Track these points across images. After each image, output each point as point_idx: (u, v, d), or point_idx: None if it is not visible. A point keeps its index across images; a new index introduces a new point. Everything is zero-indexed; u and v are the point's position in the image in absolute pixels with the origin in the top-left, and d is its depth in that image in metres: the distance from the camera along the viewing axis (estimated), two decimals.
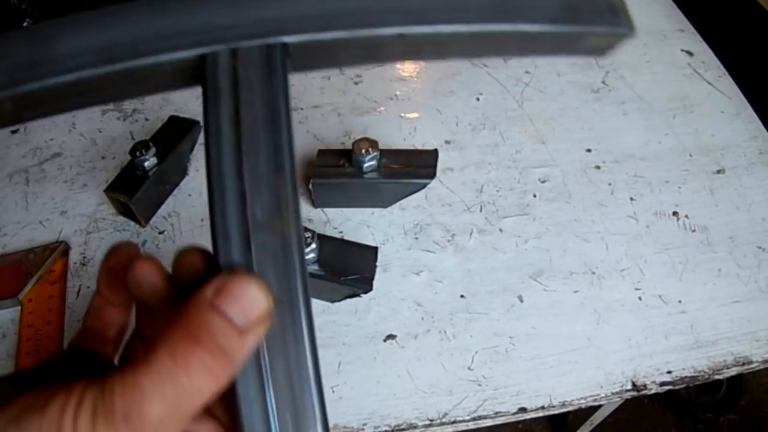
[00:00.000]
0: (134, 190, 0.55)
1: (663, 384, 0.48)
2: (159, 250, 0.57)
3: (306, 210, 0.59)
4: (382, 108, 0.68)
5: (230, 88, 0.22)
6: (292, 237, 0.21)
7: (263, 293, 0.20)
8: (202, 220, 0.59)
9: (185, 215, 0.59)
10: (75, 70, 0.21)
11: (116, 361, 0.27)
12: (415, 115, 0.67)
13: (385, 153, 0.56)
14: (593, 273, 0.54)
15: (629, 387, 0.48)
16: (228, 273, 0.20)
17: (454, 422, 0.47)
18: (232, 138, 0.21)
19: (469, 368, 0.49)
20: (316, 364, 0.21)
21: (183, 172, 0.62)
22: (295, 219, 0.21)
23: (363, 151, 0.54)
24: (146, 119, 0.68)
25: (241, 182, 0.21)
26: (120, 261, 0.24)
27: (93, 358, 0.26)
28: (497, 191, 0.60)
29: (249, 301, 0.20)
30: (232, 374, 0.20)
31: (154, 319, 0.24)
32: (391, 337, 0.51)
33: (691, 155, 0.63)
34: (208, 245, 0.22)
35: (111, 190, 0.56)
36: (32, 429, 0.18)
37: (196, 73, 0.22)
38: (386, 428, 0.47)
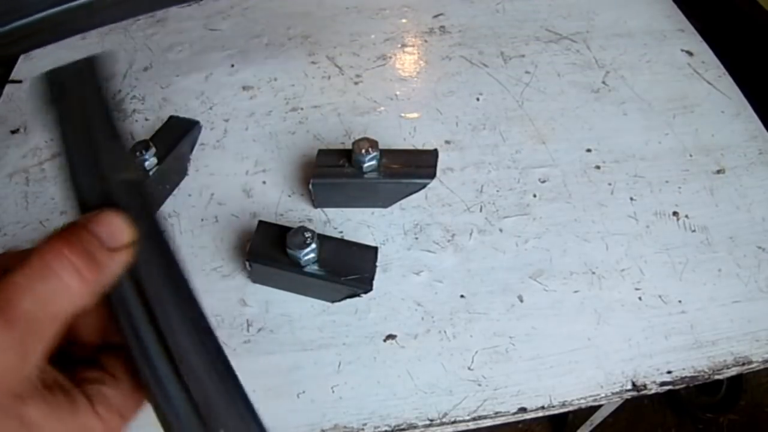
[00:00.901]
0: None
1: (663, 384, 0.48)
2: None
3: (306, 210, 0.59)
4: (382, 108, 0.68)
5: None
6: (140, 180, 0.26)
7: (128, 224, 0.23)
8: (202, 219, 0.59)
9: (185, 215, 0.59)
10: None
11: None
12: (415, 115, 0.67)
13: (385, 153, 0.56)
14: (593, 273, 0.54)
15: (629, 387, 0.48)
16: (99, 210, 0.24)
17: (454, 422, 0.47)
18: None
19: (469, 368, 0.49)
20: (180, 272, 0.25)
21: (183, 172, 0.62)
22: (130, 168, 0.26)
23: (363, 151, 0.54)
24: (146, 119, 0.68)
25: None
26: None
27: None
28: (497, 191, 0.60)
29: (116, 228, 0.23)
30: (102, 283, 0.23)
31: None
32: (391, 337, 0.51)
33: (691, 155, 0.63)
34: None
35: None
36: None
37: None
38: (386, 428, 0.47)
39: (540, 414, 0.48)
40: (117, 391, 0.24)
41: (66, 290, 0.21)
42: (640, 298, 0.53)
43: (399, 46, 0.75)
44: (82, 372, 0.24)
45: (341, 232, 0.57)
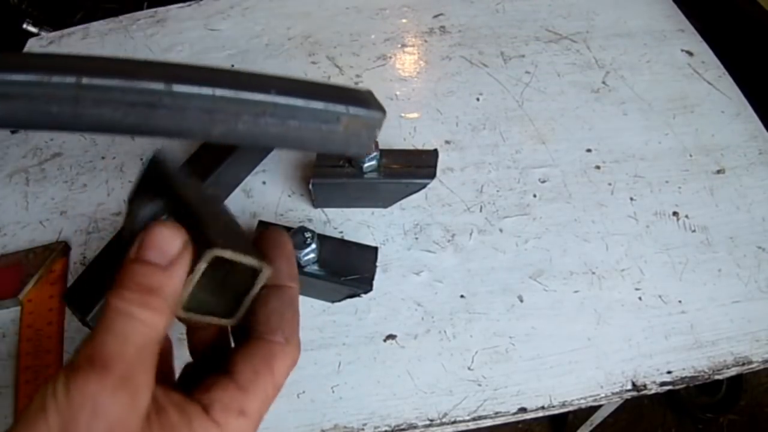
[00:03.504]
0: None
1: (663, 384, 0.48)
2: None
3: (306, 210, 0.59)
4: None
5: None
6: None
7: (173, 231, 0.24)
8: None
9: None
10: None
11: None
12: (415, 115, 0.67)
13: (385, 153, 0.56)
14: (593, 273, 0.54)
15: (629, 387, 0.48)
16: (144, 231, 0.24)
17: (454, 422, 0.47)
18: None
19: (469, 368, 0.49)
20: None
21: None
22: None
23: None
24: None
25: None
26: None
27: None
28: (497, 191, 0.60)
29: (163, 242, 0.23)
30: (172, 298, 0.23)
31: None
32: (391, 337, 0.51)
33: (691, 155, 0.63)
34: None
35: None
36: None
37: None
38: (386, 428, 0.47)
39: (540, 414, 0.48)
40: (230, 390, 0.24)
41: (141, 324, 0.22)
42: (640, 298, 0.53)
43: (399, 46, 0.75)
44: (196, 381, 0.25)
45: (341, 232, 0.57)
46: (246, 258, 0.24)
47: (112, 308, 0.22)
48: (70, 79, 0.22)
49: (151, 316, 0.22)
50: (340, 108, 0.27)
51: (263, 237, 0.29)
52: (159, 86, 0.23)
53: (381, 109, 0.28)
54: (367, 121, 0.28)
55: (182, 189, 0.26)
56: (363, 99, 0.28)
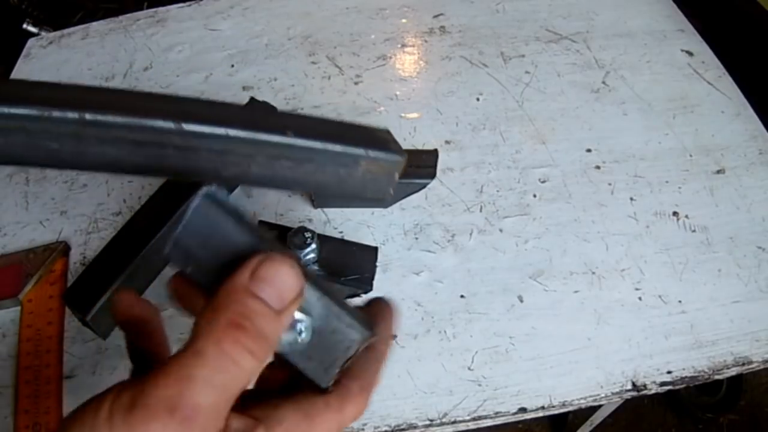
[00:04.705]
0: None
1: (663, 384, 0.48)
2: None
3: (306, 210, 0.59)
4: (382, 108, 0.68)
5: None
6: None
7: (294, 274, 0.21)
8: None
9: None
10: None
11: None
12: (415, 115, 0.67)
13: None
14: (593, 273, 0.54)
15: (629, 387, 0.48)
16: (261, 256, 0.21)
17: (454, 422, 0.47)
18: None
19: (469, 368, 0.49)
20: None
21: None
22: None
23: None
24: None
25: None
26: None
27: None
28: (497, 191, 0.60)
29: (283, 284, 0.21)
30: (272, 351, 0.21)
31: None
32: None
33: (691, 155, 0.63)
34: None
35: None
36: None
37: None
38: (386, 428, 0.47)
39: (540, 414, 0.48)
40: (297, 417, 0.23)
41: (243, 374, 0.20)
42: (640, 298, 0.53)
43: (399, 46, 0.75)
44: (258, 403, 0.24)
45: (341, 232, 0.57)
46: (354, 324, 0.23)
47: (222, 351, 0.19)
48: (72, 115, 0.20)
49: (253, 365, 0.20)
50: (359, 151, 0.25)
51: (371, 304, 0.28)
52: (168, 125, 0.21)
53: (401, 151, 0.26)
54: (386, 165, 0.26)
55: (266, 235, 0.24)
56: (382, 141, 0.27)
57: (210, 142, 0.22)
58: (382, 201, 0.27)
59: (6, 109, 0.19)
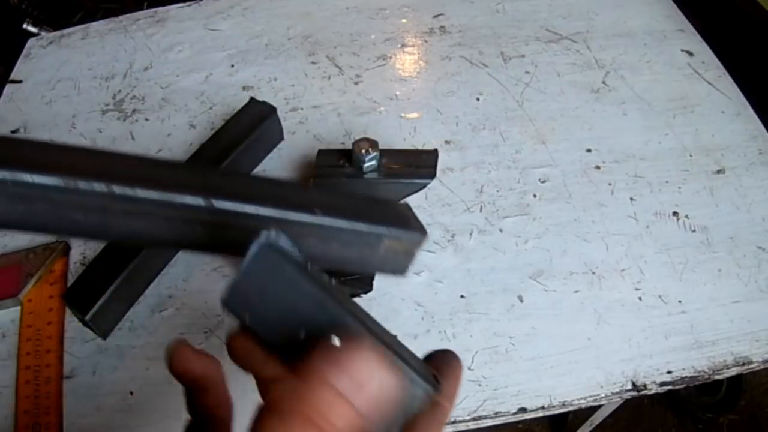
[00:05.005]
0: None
1: (663, 384, 0.48)
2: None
3: None
4: (382, 108, 0.68)
5: None
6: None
7: (375, 359, 0.19)
8: None
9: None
10: None
11: None
12: (415, 115, 0.67)
13: (385, 153, 0.56)
14: (593, 273, 0.54)
15: (629, 387, 0.48)
16: (335, 339, 0.20)
17: (454, 422, 0.47)
18: None
19: (469, 368, 0.49)
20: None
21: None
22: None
23: (363, 151, 0.54)
24: (146, 119, 0.68)
25: None
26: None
27: None
28: (497, 191, 0.60)
29: (362, 372, 0.18)
30: None
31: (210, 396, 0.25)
32: None
33: (691, 155, 0.63)
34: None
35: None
36: None
37: None
38: None
39: (540, 414, 0.48)
40: None
41: None
42: (640, 298, 0.53)
43: (399, 46, 0.75)
44: None
45: None
46: (418, 380, 0.23)
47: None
48: (100, 187, 0.19)
49: None
50: (382, 230, 0.25)
51: (436, 356, 0.27)
52: (199, 201, 0.21)
53: (422, 229, 0.27)
54: (407, 244, 0.26)
55: (331, 289, 0.22)
56: (404, 219, 0.27)
57: (239, 219, 0.21)
58: (399, 275, 0.28)
59: (29, 177, 0.18)
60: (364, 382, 0.18)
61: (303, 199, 0.24)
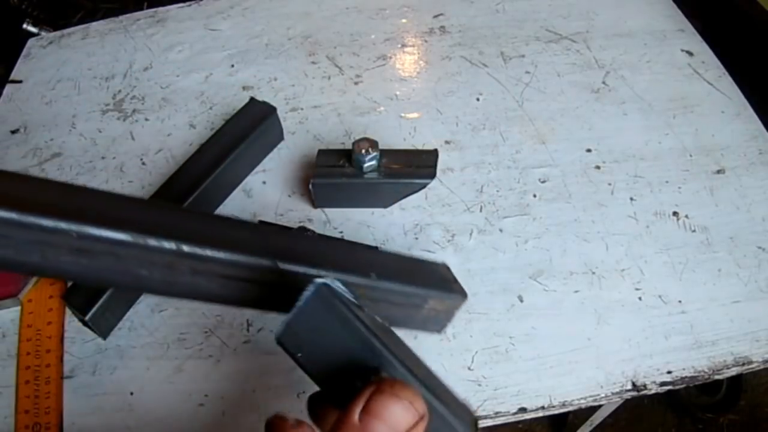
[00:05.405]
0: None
1: (663, 384, 0.48)
2: None
3: (306, 210, 0.59)
4: (382, 108, 0.68)
5: None
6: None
7: (408, 408, 0.20)
8: None
9: None
10: None
11: None
12: (415, 115, 0.67)
13: (385, 153, 0.56)
14: (593, 273, 0.54)
15: (629, 387, 0.48)
16: (373, 387, 0.20)
17: None
18: None
19: (469, 368, 0.49)
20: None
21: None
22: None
23: (363, 151, 0.54)
24: (146, 119, 0.68)
25: None
26: None
27: None
28: (497, 191, 0.60)
29: (396, 420, 0.20)
30: None
31: None
32: None
33: (691, 155, 0.63)
34: None
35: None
36: None
37: None
38: None
39: (540, 414, 0.48)
40: None
41: None
42: (640, 298, 0.53)
43: (399, 46, 0.75)
44: None
45: (341, 232, 0.57)
46: (455, 421, 0.24)
47: None
48: (169, 245, 0.19)
49: None
50: (429, 293, 0.26)
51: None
52: (265, 262, 0.21)
53: (462, 291, 0.28)
54: (449, 305, 0.28)
55: (376, 330, 0.23)
56: (448, 281, 0.28)
57: (301, 280, 0.22)
58: (437, 332, 0.30)
59: (98, 231, 0.18)
60: (397, 426, 0.20)
61: (360, 262, 0.25)
